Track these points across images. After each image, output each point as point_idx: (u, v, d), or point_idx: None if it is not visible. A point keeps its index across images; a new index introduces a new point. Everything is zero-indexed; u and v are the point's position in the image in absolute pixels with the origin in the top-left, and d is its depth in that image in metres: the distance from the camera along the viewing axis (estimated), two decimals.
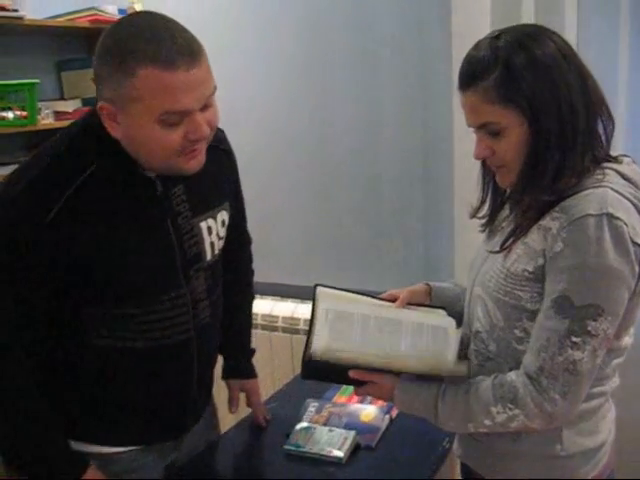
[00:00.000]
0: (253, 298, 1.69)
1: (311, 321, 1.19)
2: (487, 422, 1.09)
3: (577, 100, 1.04)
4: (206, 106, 1.10)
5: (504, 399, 1.06)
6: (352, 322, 1.19)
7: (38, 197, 1.11)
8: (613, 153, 1.13)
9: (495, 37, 1.07)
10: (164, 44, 1.03)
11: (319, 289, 1.22)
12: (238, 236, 1.55)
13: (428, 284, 1.35)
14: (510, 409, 1.06)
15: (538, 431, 1.10)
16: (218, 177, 1.35)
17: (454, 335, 1.20)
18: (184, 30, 1.08)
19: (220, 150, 1.36)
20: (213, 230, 1.32)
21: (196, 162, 1.15)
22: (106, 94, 1.08)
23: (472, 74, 1.07)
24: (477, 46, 1.09)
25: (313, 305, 1.21)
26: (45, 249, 1.11)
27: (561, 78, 1.04)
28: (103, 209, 1.15)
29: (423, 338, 1.20)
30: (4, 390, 1.20)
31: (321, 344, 1.16)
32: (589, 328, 1.01)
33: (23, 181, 1.12)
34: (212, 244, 1.32)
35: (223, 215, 1.36)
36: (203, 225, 1.30)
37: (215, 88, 1.11)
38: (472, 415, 1.10)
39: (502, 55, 1.04)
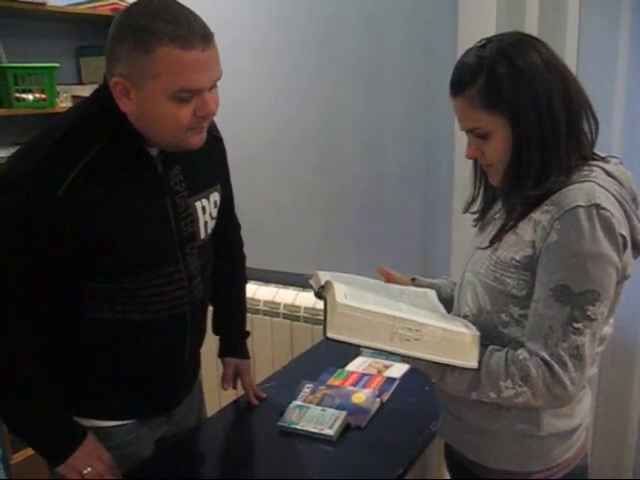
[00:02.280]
0: (246, 281, 1.75)
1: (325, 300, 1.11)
2: (492, 394, 1.11)
3: (558, 105, 1.10)
4: (212, 88, 1.17)
5: (515, 376, 1.09)
6: (357, 284, 1.22)
7: (50, 171, 1.14)
8: (602, 153, 1.18)
9: (481, 46, 1.14)
10: (182, 25, 1.09)
11: (319, 272, 1.26)
12: (229, 221, 1.61)
13: (414, 278, 1.42)
14: (520, 386, 1.08)
15: (517, 410, 1.16)
16: (211, 160, 1.41)
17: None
18: (196, 15, 1.14)
19: (213, 136, 1.41)
20: (207, 210, 1.38)
21: (200, 138, 1.21)
22: (122, 70, 1.12)
23: (460, 81, 1.14)
24: (466, 54, 1.16)
25: (320, 288, 1.16)
26: (54, 223, 1.15)
27: (542, 85, 1.09)
28: (108, 185, 1.20)
29: (418, 297, 1.28)
30: (4, 360, 1.24)
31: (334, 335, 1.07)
32: (589, 313, 1.06)
33: (35, 156, 1.16)
34: (206, 223, 1.38)
35: (215, 196, 1.42)
36: (198, 205, 1.35)
37: (221, 73, 1.18)
38: (479, 385, 1.12)
39: (486, 64, 1.11)
